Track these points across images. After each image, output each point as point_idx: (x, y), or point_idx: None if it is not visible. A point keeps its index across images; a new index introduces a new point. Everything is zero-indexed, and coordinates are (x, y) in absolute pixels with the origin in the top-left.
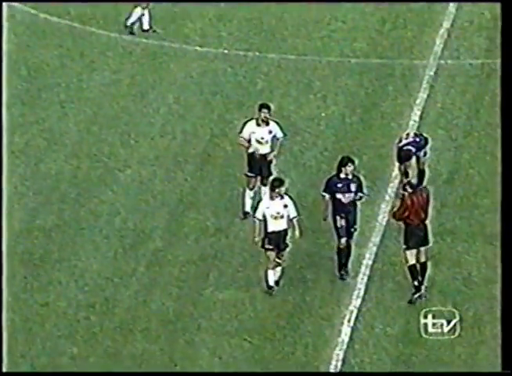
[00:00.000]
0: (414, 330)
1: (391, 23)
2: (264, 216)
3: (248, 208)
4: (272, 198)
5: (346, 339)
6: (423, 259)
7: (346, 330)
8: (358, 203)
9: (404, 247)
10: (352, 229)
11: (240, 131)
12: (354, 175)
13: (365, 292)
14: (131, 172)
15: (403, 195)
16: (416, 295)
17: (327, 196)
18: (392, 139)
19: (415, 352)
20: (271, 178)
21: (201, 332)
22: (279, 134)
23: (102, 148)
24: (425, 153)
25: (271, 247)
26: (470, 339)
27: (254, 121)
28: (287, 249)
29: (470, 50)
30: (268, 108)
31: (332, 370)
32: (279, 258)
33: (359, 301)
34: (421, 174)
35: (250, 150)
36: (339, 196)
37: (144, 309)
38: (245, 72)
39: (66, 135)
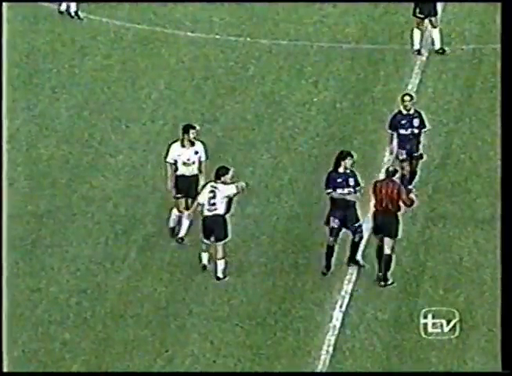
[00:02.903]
0: (405, 315)
1: (382, 8)
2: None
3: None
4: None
5: (337, 324)
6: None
7: (337, 316)
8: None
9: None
10: (357, 225)
11: (166, 156)
12: (350, 170)
13: (357, 277)
14: (122, 158)
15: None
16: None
17: (333, 192)
18: (383, 125)
19: (406, 336)
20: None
21: (192, 317)
22: (203, 157)
23: (94, 133)
24: (420, 156)
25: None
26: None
27: (178, 143)
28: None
29: (462, 35)
30: (195, 128)
31: (323, 355)
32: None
33: (351, 286)
34: (412, 175)
35: (179, 173)
36: (339, 191)
37: (135, 294)
38: (236, 57)
39: (58, 121)
